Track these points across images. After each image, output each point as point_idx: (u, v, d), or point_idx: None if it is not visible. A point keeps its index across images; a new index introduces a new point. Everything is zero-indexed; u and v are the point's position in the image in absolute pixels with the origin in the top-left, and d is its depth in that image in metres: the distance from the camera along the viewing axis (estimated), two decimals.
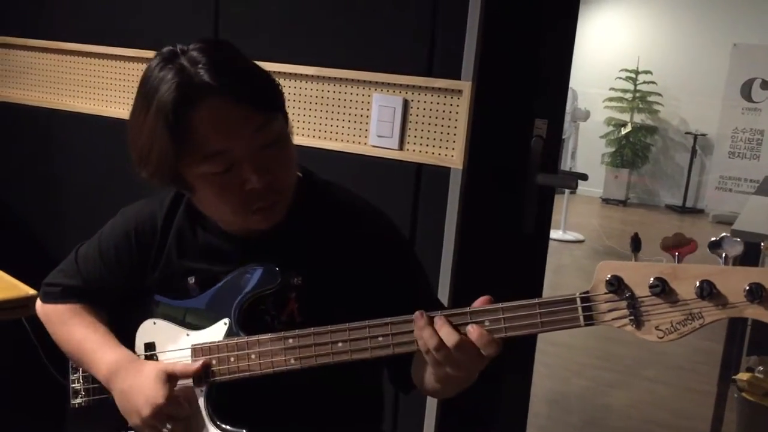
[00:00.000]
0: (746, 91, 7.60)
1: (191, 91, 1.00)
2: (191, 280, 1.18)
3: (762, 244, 0.86)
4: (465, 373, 0.95)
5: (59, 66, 2.32)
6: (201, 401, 1.13)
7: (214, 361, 1.11)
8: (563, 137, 6.64)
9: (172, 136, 1.00)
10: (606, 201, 8.87)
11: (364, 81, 1.83)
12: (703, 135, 8.48)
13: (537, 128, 1.80)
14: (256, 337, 1.08)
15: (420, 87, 1.77)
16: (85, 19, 2.26)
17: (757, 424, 2.83)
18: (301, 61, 1.89)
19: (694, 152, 8.56)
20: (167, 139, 1.00)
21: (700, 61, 8.34)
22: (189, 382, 1.12)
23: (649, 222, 8.00)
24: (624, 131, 8.79)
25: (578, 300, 0.89)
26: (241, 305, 1.11)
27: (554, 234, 6.38)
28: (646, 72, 8.61)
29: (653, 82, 8.64)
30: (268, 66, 1.83)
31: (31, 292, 1.73)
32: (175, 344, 1.16)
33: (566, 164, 7.81)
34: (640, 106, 8.80)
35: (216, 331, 1.13)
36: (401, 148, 1.82)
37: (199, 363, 1.11)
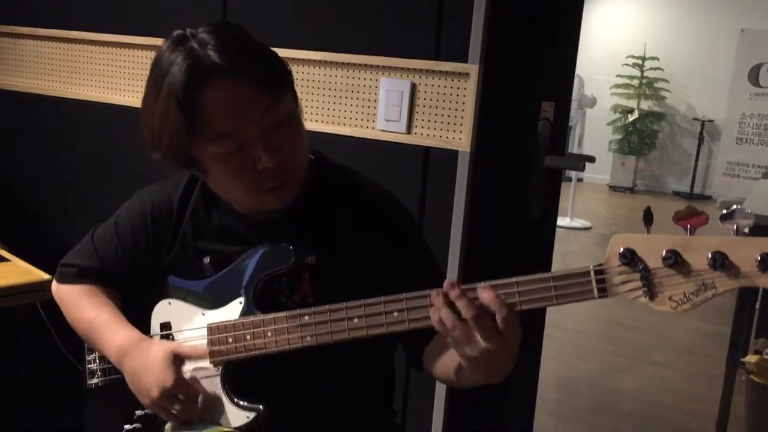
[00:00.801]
0: (754, 77, 7.56)
1: (201, 72, 1.01)
2: (206, 260, 1.19)
3: None
4: (484, 357, 0.92)
5: (66, 54, 2.33)
6: (218, 379, 1.14)
7: (230, 339, 1.12)
8: (570, 124, 6.63)
9: (183, 117, 1.01)
10: (613, 188, 8.86)
11: (372, 65, 1.84)
12: (711, 121, 8.45)
13: (544, 111, 1.80)
14: (271, 315, 1.09)
15: (427, 71, 1.77)
16: (92, 7, 2.26)
17: (765, 406, 2.84)
18: (309, 46, 1.90)
19: (701, 138, 8.54)
20: (179, 120, 1.02)
21: (708, 47, 8.30)
22: (200, 362, 1.14)
23: (657, 208, 7.94)
24: (631, 118, 8.76)
25: (592, 272, 0.89)
26: (256, 285, 1.13)
27: (562, 221, 6.38)
28: (653, 58, 8.58)
29: (660, 69, 8.61)
30: (274, 51, 1.86)
31: (45, 276, 1.75)
32: (191, 324, 1.18)
33: (573, 151, 7.79)
34: (647, 92, 8.77)
35: (231, 310, 1.14)
36: (409, 131, 1.82)
37: (205, 346, 1.13)
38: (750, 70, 7.55)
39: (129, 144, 2.11)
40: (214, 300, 1.17)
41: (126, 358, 1.17)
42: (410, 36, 1.79)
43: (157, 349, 1.14)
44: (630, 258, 0.87)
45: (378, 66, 1.83)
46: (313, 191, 1.17)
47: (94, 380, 1.28)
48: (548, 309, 1.98)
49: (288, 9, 1.93)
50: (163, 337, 1.22)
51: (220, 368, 1.14)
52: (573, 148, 7.78)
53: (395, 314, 1.00)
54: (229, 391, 1.14)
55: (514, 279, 0.93)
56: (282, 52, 1.95)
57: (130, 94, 2.22)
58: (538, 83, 1.82)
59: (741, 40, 7.60)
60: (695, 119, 8.61)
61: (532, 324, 1.96)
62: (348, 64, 1.87)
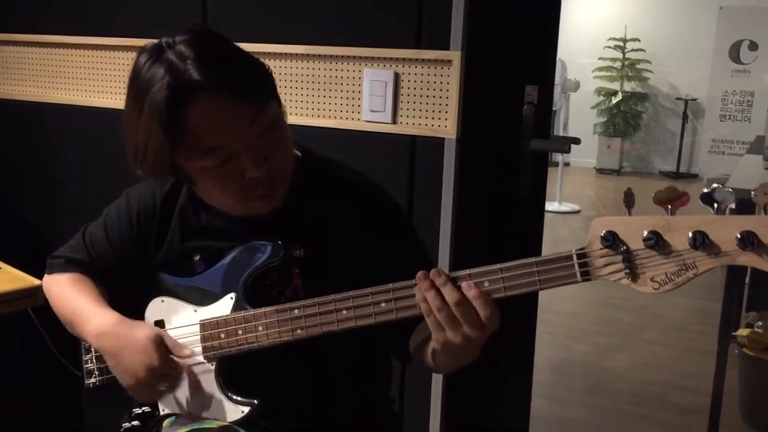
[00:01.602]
0: (734, 54, 7.61)
1: (182, 89, 1.00)
2: (196, 257, 1.20)
3: (752, 192, 0.87)
4: (463, 342, 0.95)
5: (46, 59, 2.32)
6: (212, 374, 1.15)
7: (222, 335, 1.13)
8: (554, 109, 6.65)
9: (167, 134, 1.01)
10: (600, 171, 8.90)
11: (354, 57, 1.84)
12: (694, 100, 8.49)
13: (528, 95, 1.81)
14: (262, 310, 1.10)
15: (410, 59, 1.78)
16: (70, 10, 2.25)
17: (759, 378, 2.88)
18: (291, 40, 1.90)
19: (685, 117, 8.58)
20: (162, 137, 1.01)
21: (688, 26, 8.33)
22: (194, 358, 1.15)
23: (645, 190, 8.02)
24: (615, 100, 8.79)
25: (574, 257, 0.91)
26: (247, 280, 1.13)
27: (550, 206, 6.41)
28: (634, 39, 8.60)
29: (641, 50, 8.63)
30: (257, 47, 1.86)
31: (36, 282, 1.75)
32: (184, 320, 1.18)
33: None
34: (630, 74, 8.80)
35: (223, 306, 1.15)
36: (394, 121, 1.83)
37: (186, 349, 1.15)
38: (730, 47, 7.60)
39: (114, 146, 2.09)
40: (205, 296, 1.18)
41: (104, 338, 1.17)
42: (391, 25, 1.79)
43: (143, 332, 1.14)
44: (612, 240, 0.88)
45: (360, 57, 1.83)
46: (301, 186, 1.17)
47: (92, 380, 1.28)
48: (540, 294, 2.00)
49: (268, 3, 1.93)
50: None
51: (214, 364, 1.15)
52: (558, 132, 7.79)
53: (383, 305, 1.01)
54: (224, 386, 1.15)
55: (498, 266, 0.94)
56: (264, 47, 1.95)
57: (111, 96, 2.21)
58: (521, 67, 1.83)
59: (720, 17, 7.64)
60: (678, 98, 8.65)
61: (525, 310, 1.98)
62: (330, 56, 1.87)
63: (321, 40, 1.87)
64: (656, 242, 0.86)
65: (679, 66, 8.54)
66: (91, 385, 1.28)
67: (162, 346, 1.14)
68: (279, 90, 1.12)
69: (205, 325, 1.15)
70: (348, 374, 1.22)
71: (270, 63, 1.09)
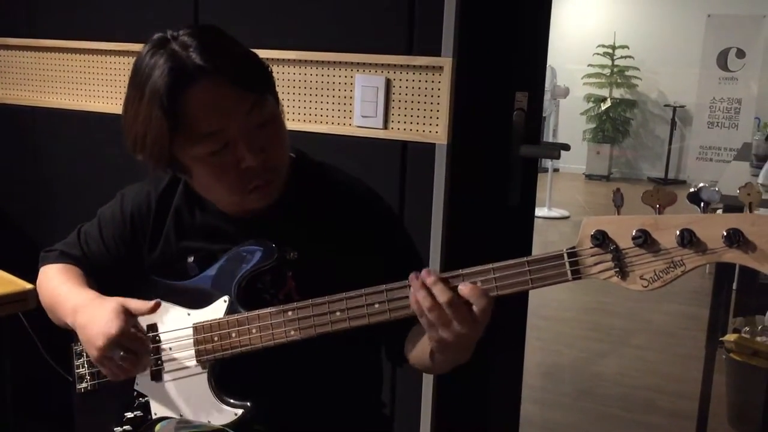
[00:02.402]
0: (722, 61, 7.68)
1: (184, 74, 1.02)
2: (190, 259, 1.20)
3: (738, 190, 0.89)
4: (457, 340, 0.96)
5: (39, 63, 2.32)
6: (205, 377, 1.16)
7: (215, 338, 1.14)
8: (544, 115, 6.68)
9: (167, 119, 1.02)
10: (589, 177, 8.94)
11: (346, 62, 1.85)
12: (682, 106, 8.56)
13: (518, 101, 1.83)
14: (256, 312, 1.11)
15: (401, 66, 1.79)
16: (64, 14, 2.25)
17: (745, 383, 2.90)
18: (282, 45, 1.91)
19: (673, 124, 8.65)
20: (162, 123, 1.03)
21: (676, 34, 8.40)
22: (186, 362, 1.15)
23: (633, 196, 8.08)
24: (604, 107, 8.85)
25: (565, 255, 0.92)
26: (240, 282, 1.14)
27: (540, 212, 6.43)
28: (623, 47, 8.67)
29: (630, 57, 8.70)
30: None
31: (28, 286, 1.74)
32: (177, 324, 1.19)
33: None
34: (619, 80, 8.86)
35: (217, 309, 1.15)
36: (386, 127, 1.84)
37: (152, 302, 1.11)
38: (718, 55, 7.66)
39: (107, 151, 2.11)
40: (198, 299, 1.18)
41: (78, 314, 1.16)
42: (383, 32, 1.80)
43: (108, 303, 1.13)
44: (601, 239, 0.90)
45: (352, 63, 1.84)
46: (295, 189, 1.18)
47: (83, 384, 1.28)
48: (530, 299, 2.01)
49: (260, 9, 1.94)
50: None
51: (207, 366, 1.16)
52: (548, 138, 7.83)
53: (376, 306, 1.02)
54: (216, 388, 1.15)
55: (490, 266, 0.95)
56: (255, 53, 1.96)
57: (104, 101, 2.21)
58: (511, 74, 1.84)
59: (708, 25, 7.70)
60: (667, 105, 8.72)
61: (515, 315, 1.99)
62: (322, 62, 1.88)
63: (313, 46, 1.88)
64: (645, 240, 0.88)
65: (667, 73, 8.61)
66: (82, 390, 1.28)
67: (123, 315, 1.10)
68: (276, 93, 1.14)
69: (198, 329, 1.15)
70: (340, 377, 1.23)
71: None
